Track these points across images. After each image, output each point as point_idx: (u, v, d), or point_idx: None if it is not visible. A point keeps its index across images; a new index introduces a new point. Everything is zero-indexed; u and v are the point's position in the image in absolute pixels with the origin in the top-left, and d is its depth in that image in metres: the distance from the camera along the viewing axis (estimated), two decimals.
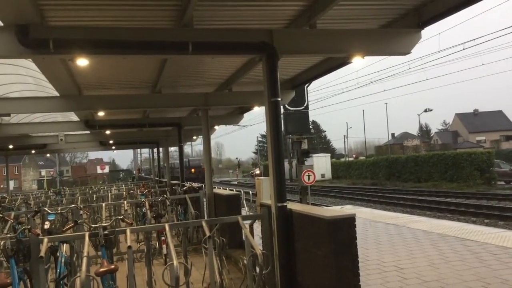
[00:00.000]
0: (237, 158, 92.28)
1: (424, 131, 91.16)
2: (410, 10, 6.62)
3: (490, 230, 10.19)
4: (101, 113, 12.58)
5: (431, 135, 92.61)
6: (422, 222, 11.80)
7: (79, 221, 6.71)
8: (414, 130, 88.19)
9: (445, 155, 34.99)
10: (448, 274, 6.70)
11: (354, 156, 70.03)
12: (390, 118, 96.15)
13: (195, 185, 13.24)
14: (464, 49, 23.73)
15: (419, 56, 27.06)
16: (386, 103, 61.57)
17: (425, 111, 52.55)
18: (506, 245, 8.24)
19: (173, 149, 43.02)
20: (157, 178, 27.92)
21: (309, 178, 16.59)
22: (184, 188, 12.89)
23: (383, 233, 10.34)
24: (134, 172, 64.83)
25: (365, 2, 6.25)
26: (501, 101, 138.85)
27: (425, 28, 6.71)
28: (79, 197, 14.74)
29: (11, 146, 19.76)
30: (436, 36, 22.02)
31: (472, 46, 25.06)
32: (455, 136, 79.67)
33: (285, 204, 5.98)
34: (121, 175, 64.57)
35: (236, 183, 59.85)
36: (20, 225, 8.08)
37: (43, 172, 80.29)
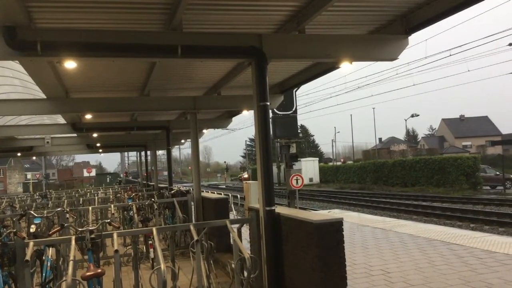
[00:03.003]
0: (225, 162, 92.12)
1: (411, 136, 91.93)
2: (398, 16, 6.70)
3: (475, 234, 10.30)
4: (88, 116, 12.50)
5: (418, 140, 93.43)
6: (408, 226, 11.90)
7: (65, 224, 6.66)
8: (401, 135, 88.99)
9: (432, 160, 35.33)
10: (434, 278, 6.76)
11: (341, 160, 70.31)
12: (377, 123, 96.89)
13: (183, 188, 13.21)
14: (450, 55, 24.07)
15: (406, 62, 27.36)
16: (373, 108, 62.09)
17: (412, 116, 53.03)
18: (491, 249, 8.35)
19: (160, 153, 42.93)
20: (145, 182, 27.80)
21: (297, 182, 16.65)
22: (172, 191, 12.85)
23: (370, 237, 10.40)
24: (121, 175, 64.32)
25: (354, 8, 6.31)
26: (487, 107, 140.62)
27: (412, 35, 6.80)
28: (65, 201, 14.61)
29: None
30: (423, 42, 22.31)
31: (459, 52, 25.45)
32: (441, 141, 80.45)
33: (273, 208, 6.00)
34: (108, 178, 64.05)
35: (224, 187, 59.74)
36: (5, 229, 7.98)
37: (29, 175, 79.32)
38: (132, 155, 75.36)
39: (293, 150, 17.92)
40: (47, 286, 5.77)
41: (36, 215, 8.36)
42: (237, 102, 11.66)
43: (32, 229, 7.53)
